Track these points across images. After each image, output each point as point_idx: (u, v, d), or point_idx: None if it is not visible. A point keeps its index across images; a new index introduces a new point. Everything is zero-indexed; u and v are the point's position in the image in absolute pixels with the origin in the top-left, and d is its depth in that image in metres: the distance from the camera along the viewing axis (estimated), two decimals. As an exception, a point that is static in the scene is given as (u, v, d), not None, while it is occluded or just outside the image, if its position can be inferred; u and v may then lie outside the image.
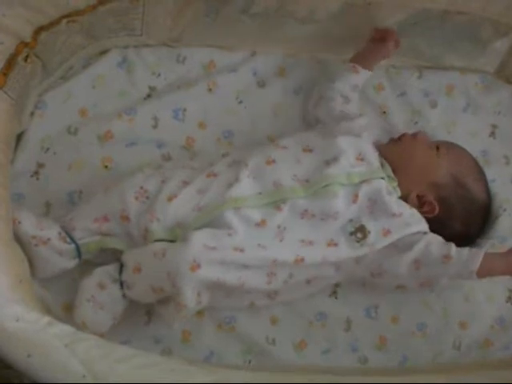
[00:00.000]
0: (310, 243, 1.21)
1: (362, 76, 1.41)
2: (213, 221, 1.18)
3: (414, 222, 1.28)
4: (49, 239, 1.17)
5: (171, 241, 1.18)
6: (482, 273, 1.27)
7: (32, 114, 1.32)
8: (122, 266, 1.19)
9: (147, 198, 1.21)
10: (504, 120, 1.54)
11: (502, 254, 1.30)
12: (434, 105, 1.52)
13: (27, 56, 1.18)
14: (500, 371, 1.29)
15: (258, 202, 1.21)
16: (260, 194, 1.21)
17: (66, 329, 0.99)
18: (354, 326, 1.38)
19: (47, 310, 1.19)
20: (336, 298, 1.38)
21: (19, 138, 1.30)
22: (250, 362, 1.33)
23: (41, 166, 1.31)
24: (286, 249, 1.20)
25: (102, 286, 1.17)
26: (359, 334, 1.38)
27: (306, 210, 1.22)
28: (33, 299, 1.10)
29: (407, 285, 1.34)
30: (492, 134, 1.54)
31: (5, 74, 1.14)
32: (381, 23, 1.40)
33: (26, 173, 1.30)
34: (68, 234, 1.20)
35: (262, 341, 1.33)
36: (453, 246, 1.28)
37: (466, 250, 1.28)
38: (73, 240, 1.19)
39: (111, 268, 1.20)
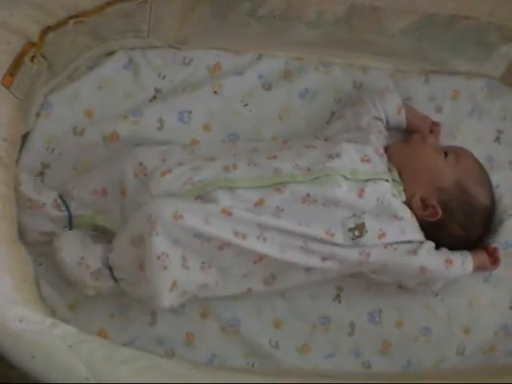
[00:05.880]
0: (307, 226, 1.21)
1: (397, 119, 1.41)
2: (203, 196, 1.19)
3: (409, 230, 1.28)
4: (43, 204, 1.21)
5: None
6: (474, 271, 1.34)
7: (38, 114, 1.32)
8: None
9: (145, 175, 1.22)
10: (509, 125, 1.53)
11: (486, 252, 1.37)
12: (439, 109, 1.51)
13: (34, 56, 1.18)
14: (504, 377, 1.29)
15: (257, 183, 1.21)
16: (259, 176, 1.22)
17: (69, 330, 0.99)
18: (357, 330, 1.38)
19: (52, 310, 1.19)
20: (340, 302, 1.38)
21: (24, 138, 1.30)
22: (253, 365, 1.33)
23: (46, 166, 1.32)
24: (282, 224, 1.20)
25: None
26: (363, 339, 1.38)
27: (308, 195, 1.21)
28: (37, 299, 1.10)
29: (407, 284, 1.35)
30: (497, 140, 1.53)
31: (11, 74, 1.14)
32: (387, 27, 1.40)
33: (31, 173, 1.30)
34: (64, 202, 1.22)
35: (266, 344, 1.33)
36: (446, 250, 1.32)
37: (457, 254, 1.32)
38: (67, 208, 1.22)
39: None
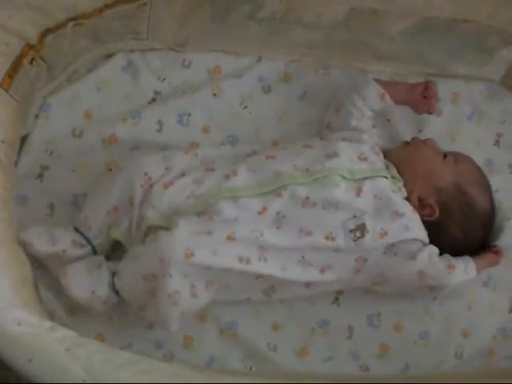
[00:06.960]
0: (308, 233, 1.21)
1: (383, 105, 1.39)
2: (206, 209, 1.19)
3: (413, 227, 1.27)
4: (64, 251, 1.20)
5: (166, 228, 1.18)
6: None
7: (37, 116, 1.33)
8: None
9: (151, 186, 1.22)
10: (509, 129, 1.53)
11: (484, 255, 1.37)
12: (438, 112, 1.50)
13: (33, 59, 1.19)
14: (503, 381, 1.29)
15: (258, 190, 1.21)
16: (260, 183, 1.22)
17: (67, 333, 0.99)
18: (355, 333, 1.37)
19: (50, 313, 1.20)
20: (338, 305, 1.37)
21: (23, 140, 1.30)
22: (250, 368, 1.33)
23: (45, 168, 1.32)
24: (283, 238, 1.20)
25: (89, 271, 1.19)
26: (361, 342, 1.37)
27: (307, 198, 1.21)
28: (35, 302, 1.10)
29: (409, 291, 1.35)
30: (496, 143, 1.53)
31: (10, 77, 1.14)
32: (387, 30, 1.40)
33: (30, 175, 1.31)
34: (84, 235, 1.22)
35: (264, 347, 1.33)
36: (449, 256, 1.31)
37: (459, 260, 1.31)
38: (89, 242, 1.22)
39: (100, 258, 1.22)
